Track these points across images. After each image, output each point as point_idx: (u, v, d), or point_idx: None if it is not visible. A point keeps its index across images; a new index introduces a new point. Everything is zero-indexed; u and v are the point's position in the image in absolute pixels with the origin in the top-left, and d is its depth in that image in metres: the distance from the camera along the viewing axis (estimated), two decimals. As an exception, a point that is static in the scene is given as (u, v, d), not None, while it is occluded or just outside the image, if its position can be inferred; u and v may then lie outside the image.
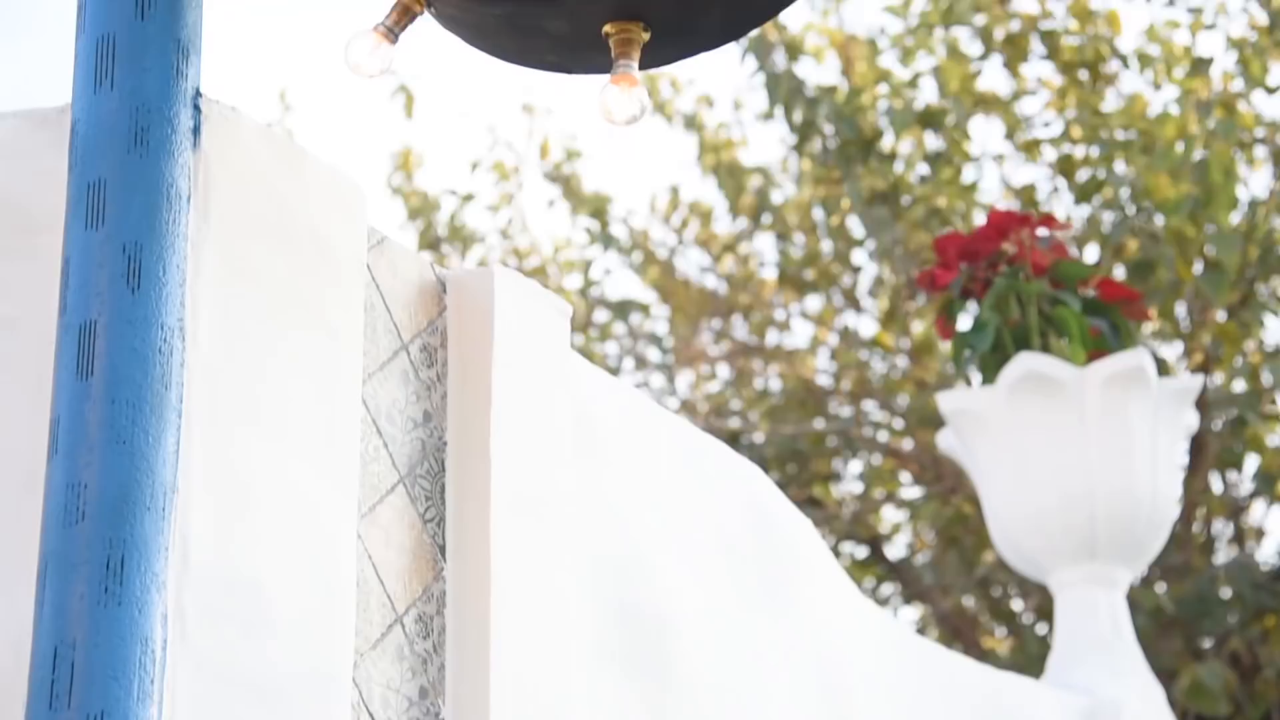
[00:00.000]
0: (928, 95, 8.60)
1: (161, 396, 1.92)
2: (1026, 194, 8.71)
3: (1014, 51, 8.55)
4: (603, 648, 2.72)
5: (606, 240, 9.45)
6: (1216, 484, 9.03)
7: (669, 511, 2.97)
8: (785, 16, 8.20)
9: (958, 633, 9.56)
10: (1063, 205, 8.69)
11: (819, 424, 9.58)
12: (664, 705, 2.82)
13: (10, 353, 2.10)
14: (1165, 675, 7.42)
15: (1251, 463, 8.64)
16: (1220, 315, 8.28)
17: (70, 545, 1.83)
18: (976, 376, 5.30)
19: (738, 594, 3.11)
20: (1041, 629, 8.91)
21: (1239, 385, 8.53)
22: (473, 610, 2.46)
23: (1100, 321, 5.07)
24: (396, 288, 2.51)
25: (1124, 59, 8.43)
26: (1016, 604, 9.85)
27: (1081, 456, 4.87)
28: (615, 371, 9.60)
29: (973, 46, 8.63)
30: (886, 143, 8.60)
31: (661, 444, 3.02)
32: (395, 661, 2.36)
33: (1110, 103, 8.56)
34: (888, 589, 10.54)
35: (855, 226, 9.03)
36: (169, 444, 1.92)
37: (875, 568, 10.30)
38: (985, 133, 11.17)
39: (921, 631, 9.06)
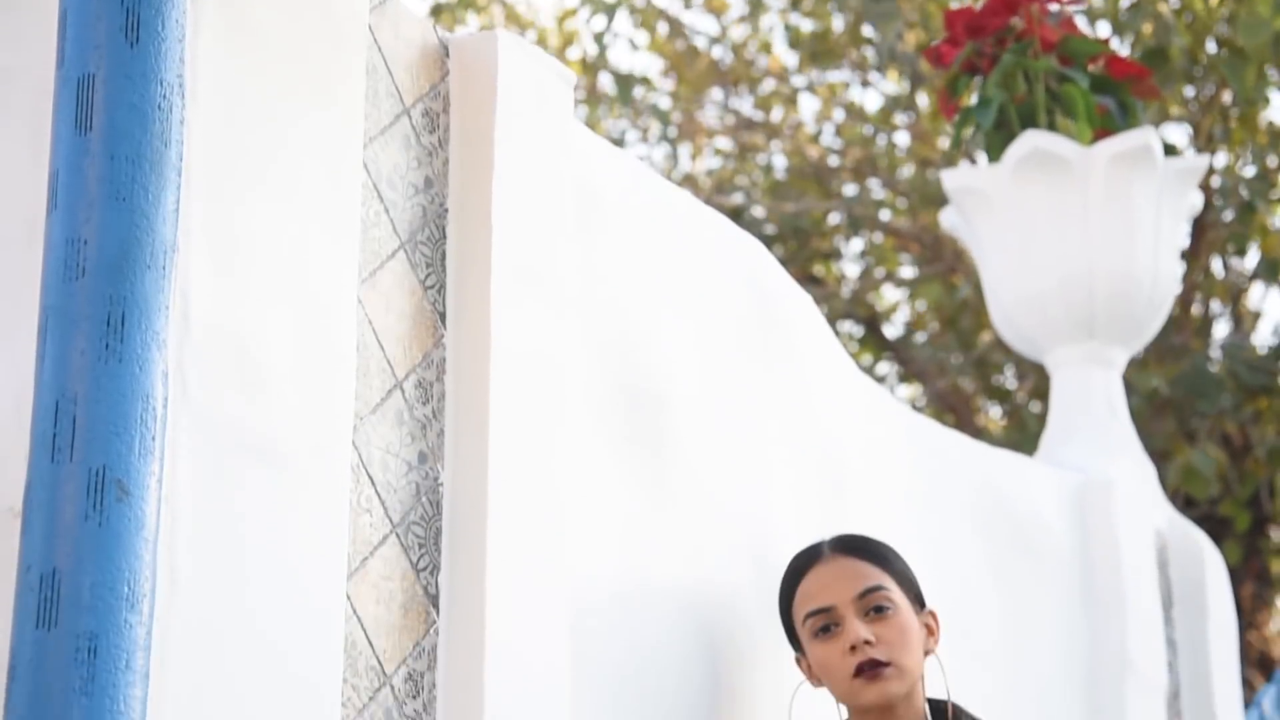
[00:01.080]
0: None
1: (161, 154, 1.90)
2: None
3: None
4: (601, 418, 2.74)
5: (611, 8, 9.30)
6: (1217, 267, 9.03)
7: (670, 284, 2.97)
8: None
9: (953, 411, 9.63)
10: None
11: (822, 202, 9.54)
12: (662, 476, 2.85)
13: (8, 103, 2.08)
14: (1157, 456, 7.50)
15: (1253, 246, 8.63)
16: (1230, 98, 8.20)
17: (70, 301, 1.83)
18: (982, 155, 5.27)
19: (736, 368, 3.13)
20: (1036, 409, 8.98)
21: (1247, 170, 8.49)
22: (472, 377, 2.47)
23: (1108, 100, 5.02)
24: (399, 50, 2.47)
25: None
26: (1012, 384, 9.91)
27: (1083, 236, 4.86)
28: (619, 144, 9.53)
29: None
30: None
31: (663, 217, 3.01)
32: (395, 426, 2.38)
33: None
34: (885, 368, 10.59)
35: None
36: (169, 202, 1.91)
37: (873, 346, 10.34)
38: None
39: (917, 410, 9.11)
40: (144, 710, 1.80)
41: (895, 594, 2.77)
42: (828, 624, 2.76)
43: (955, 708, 2.78)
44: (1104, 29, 8.17)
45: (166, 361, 1.89)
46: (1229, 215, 8.37)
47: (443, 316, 2.49)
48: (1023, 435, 8.22)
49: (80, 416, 1.80)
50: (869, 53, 9.50)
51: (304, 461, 2.13)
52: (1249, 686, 7.95)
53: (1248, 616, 8.38)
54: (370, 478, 2.32)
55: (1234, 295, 9.18)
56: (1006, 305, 5.05)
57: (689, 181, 9.83)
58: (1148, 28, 7.93)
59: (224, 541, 2.00)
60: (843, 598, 2.75)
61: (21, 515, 1.82)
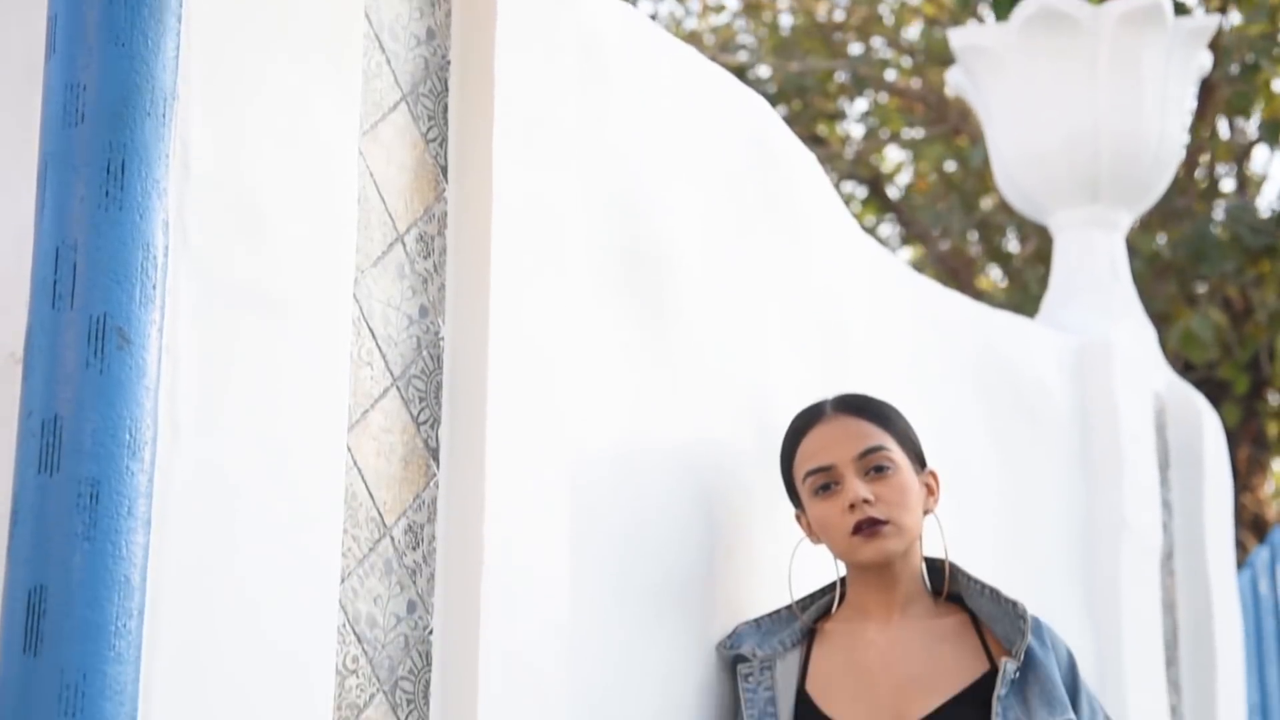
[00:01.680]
0: None
1: (160, -1, 1.88)
2: None
3: None
4: (603, 275, 2.73)
5: None
6: (1223, 129, 8.98)
7: (673, 142, 2.95)
8: None
9: (954, 274, 9.63)
10: None
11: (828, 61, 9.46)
12: (663, 335, 2.85)
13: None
14: (1158, 319, 7.50)
15: (1257, 108, 8.57)
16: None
17: (69, 147, 1.82)
18: (989, 14, 5.21)
19: (738, 226, 3.12)
20: (1037, 272, 8.98)
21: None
22: (473, 232, 2.46)
23: (1119, -43, 4.96)
24: (400, -102, 2.44)
25: None
26: (1014, 246, 9.90)
27: (1090, 96, 4.83)
28: None
29: None
30: None
31: (668, 73, 2.98)
32: (396, 280, 2.37)
33: None
34: (887, 229, 10.57)
35: None
36: (168, 48, 1.89)
37: (875, 207, 10.30)
38: None
39: (919, 271, 9.11)
40: (145, 557, 1.81)
41: (896, 454, 2.78)
42: (828, 482, 2.77)
43: (953, 567, 2.80)
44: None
45: (167, 210, 1.88)
46: (1235, 72, 8.30)
47: (444, 170, 2.48)
48: (1024, 298, 8.22)
49: (80, 263, 1.79)
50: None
51: (305, 313, 2.13)
52: (1242, 549, 8.02)
53: (1243, 479, 8.43)
54: (371, 331, 2.32)
55: (1239, 158, 9.14)
56: (1011, 166, 5.02)
57: (693, 39, 9.74)
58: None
59: (224, 391, 2.00)
60: (843, 456, 2.76)
61: (22, 361, 1.82)
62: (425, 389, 2.40)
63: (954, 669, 2.70)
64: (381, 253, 2.35)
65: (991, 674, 2.67)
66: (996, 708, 2.60)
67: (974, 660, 2.71)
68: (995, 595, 2.74)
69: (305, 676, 2.06)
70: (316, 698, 2.08)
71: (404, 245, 2.39)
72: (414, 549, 2.35)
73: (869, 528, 2.71)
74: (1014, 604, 2.71)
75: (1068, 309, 4.78)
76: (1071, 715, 2.62)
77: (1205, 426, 4.76)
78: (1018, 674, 2.64)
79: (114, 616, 1.75)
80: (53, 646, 1.72)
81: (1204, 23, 5.03)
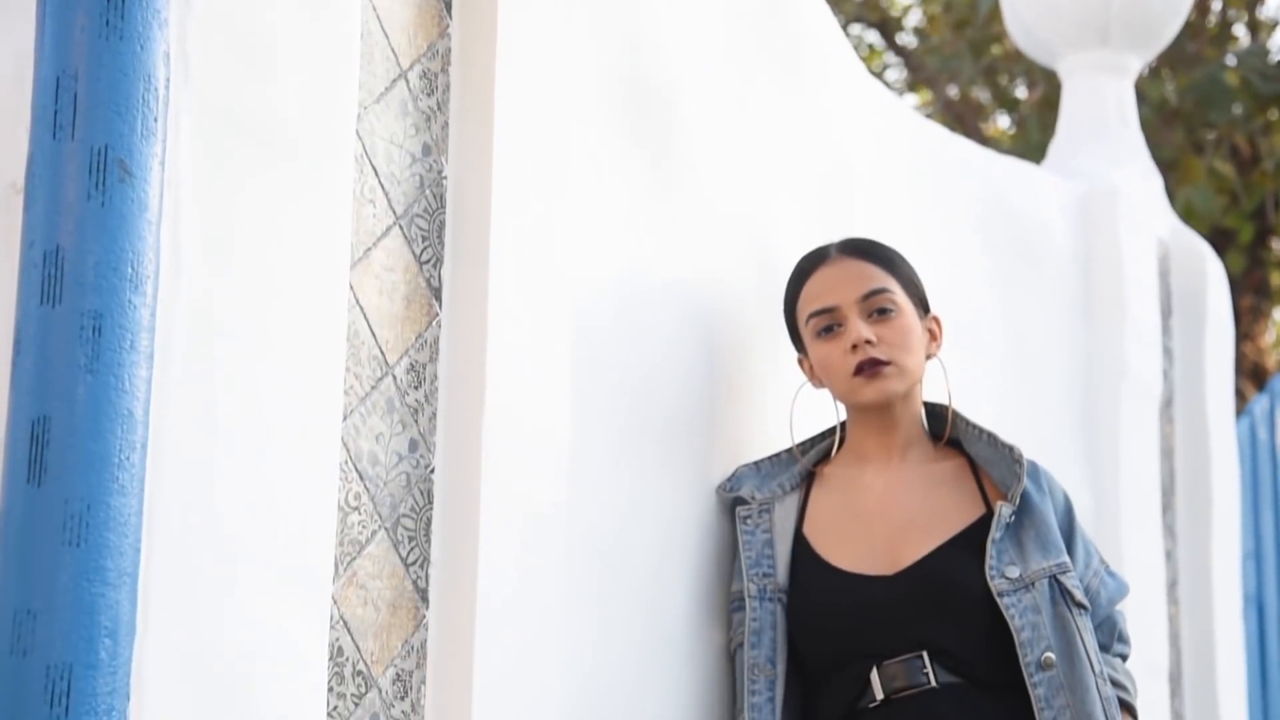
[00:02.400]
0: None
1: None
2: None
3: None
4: (608, 116, 2.71)
5: None
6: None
7: (679, -21, 2.92)
8: None
9: (961, 120, 9.56)
10: None
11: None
12: (668, 177, 2.83)
13: None
14: (1165, 167, 7.46)
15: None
16: None
17: (68, -24, 1.80)
18: None
19: (745, 68, 3.09)
20: (1045, 119, 8.91)
21: None
22: (477, 69, 2.44)
23: None
24: None
25: None
26: (1022, 92, 9.82)
27: (1102, -62, 4.76)
28: None
29: None
30: None
31: (674, -93, 2.94)
32: (399, 116, 2.36)
33: None
34: (894, 74, 10.47)
35: None
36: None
37: (883, 52, 10.21)
38: None
39: (926, 117, 9.04)
40: (149, 392, 1.82)
41: (899, 296, 2.77)
42: (830, 324, 2.77)
43: (954, 412, 2.81)
44: None
45: (168, 42, 1.86)
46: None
47: (448, 6, 2.45)
48: (1031, 145, 8.18)
49: (81, 94, 1.78)
50: None
51: (307, 149, 2.11)
52: (1241, 397, 8.04)
53: (1244, 328, 8.44)
54: (374, 168, 2.31)
55: (1251, 3, 9.03)
56: (1021, 8, 4.96)
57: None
58: None
59: (226, 227, 1.99)
60: (846, 298, 2.76)
61: (23, 192, 1.82)
62: (428, 228, 2.39)
63: (950, 513, 2.71)
64: (384, 89, 2.33)
65: (987, 518, 2.68)
66: (990, 551, 2.62)
67: (970, 504, 2.73)
68: (992, 440, 2.75)
69: (307, 513, 2.07)
70: (318, 534, 2.09)
71: (407, 82, 2.37)
72: (416, 388, 2.36)
73: (870, 369, 2.72)
74: (1010, 448, 2.72)
75: (1075, 156, 4.75)
76: (1066, 559, 2.64)
77: (1209, 274, 4.76)
78: (1013, 518, 2.66)
79: (117, 449, 1.76)
80: (56, 477, 1.73)
81: None
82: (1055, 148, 4.90)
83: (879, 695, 2.60)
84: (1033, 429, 3.84)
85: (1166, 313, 4.67)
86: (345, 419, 2.23)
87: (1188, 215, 7.40)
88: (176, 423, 1.90)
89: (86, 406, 1.75)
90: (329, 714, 2.17)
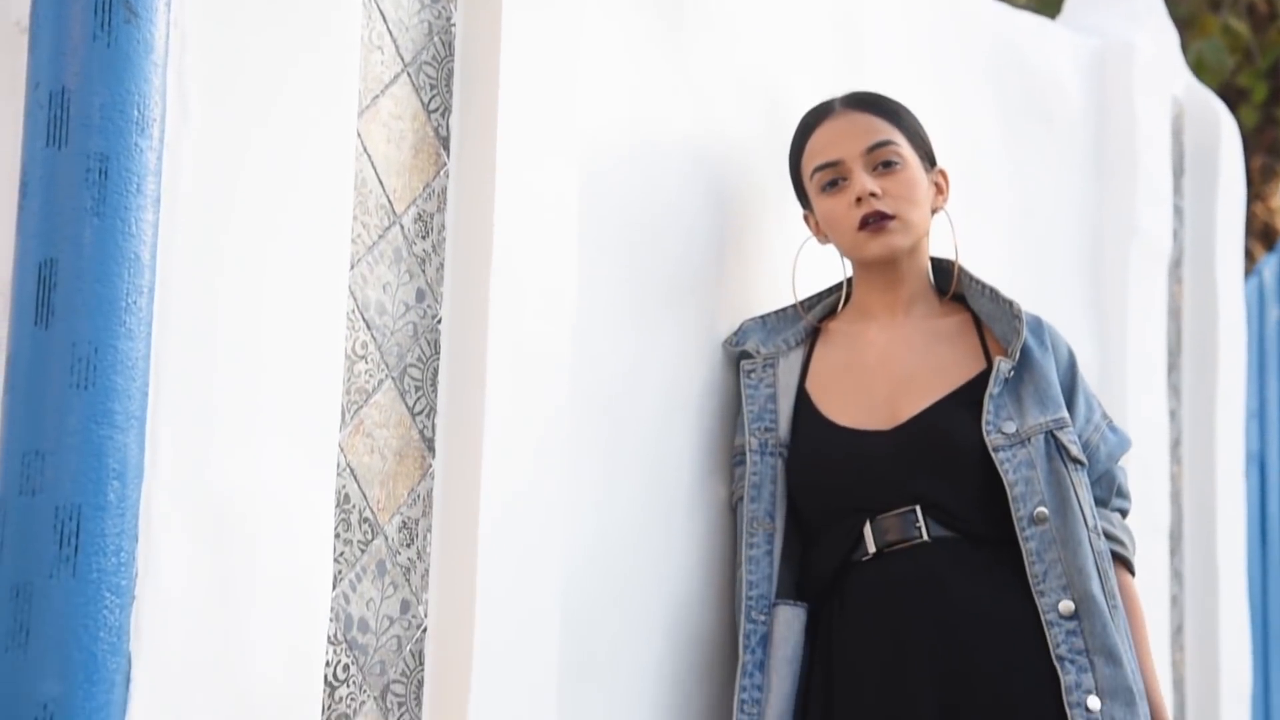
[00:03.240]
0: None
1: None
2: None
3: None
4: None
5: None
6: None
7: None
8: None
9: (975, -26, 9.42)
10: None
11: None
12: (676, 26, 2.81)
13: None
14: (1181, 23, 7.38)
15: None
16: None
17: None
18: None
19: (757, -86, 3.04)
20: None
21: None
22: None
23: None
24: None
25: None
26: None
27: None
28: None
29: None
30: None
31: None
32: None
33: None
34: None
35: None
36: None
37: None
38: None
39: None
40: (155, 235, 1.81)
41: (905, 149, 2.76)
42: (835, 178, 2.75)
43: (959, 267, 2.80)
44: None
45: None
46: None
47: None
48: (1045, 1, 8.07)
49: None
50: None
51: (313, -5, 2.10)
52: (1250, 258, 8.02)
53: (1255, 188, 8.38)
54: (382, 14, 2.29)
55: None
56: None
57: None
58: None
59: (233, 71, 1.98)
60: (851, 151, 2.74)
61: (29, 31, 1.80)
62: (436, 76, 2.37)
63: (950, 368, 2.71)
64: (392, -65, 2.31)
65: (987, 373, 2.68)
66: (988, 406, 2.62)
67: (971, 360, 2.73)
68: (995, 295, 2.74)
69: (314, 361, 2.08)
70: (325, 382, 2.10)
71: (414, -73, 2.34)
72: (423, 238, 2.35)
73: (875, 222, 2.71)
74: (1010, 303, 2.72)
75: (1090, 11, 4.69)
76: (1064, 414, 2.64)
77: (1222, 133, 4.72)
78: (1011, 373, 2.66)
79: (124, 293, 1.76)
80: (63, 319, 1.74)
81: None
82: (1071, 2, 4.84)
83: (871, 548, 2.62)
84: (1040, 286, 3.83)
85: (1178, 172, 4.64)
86: (352, 268, 2.23)
87: (1198, 69, 7.32)
88: (183, 267, 1.90)
89: (93, 250, 1.75)
90: (336, 559, 2.20)
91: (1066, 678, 2.51)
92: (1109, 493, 2.74)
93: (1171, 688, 4.33)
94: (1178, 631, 4.47)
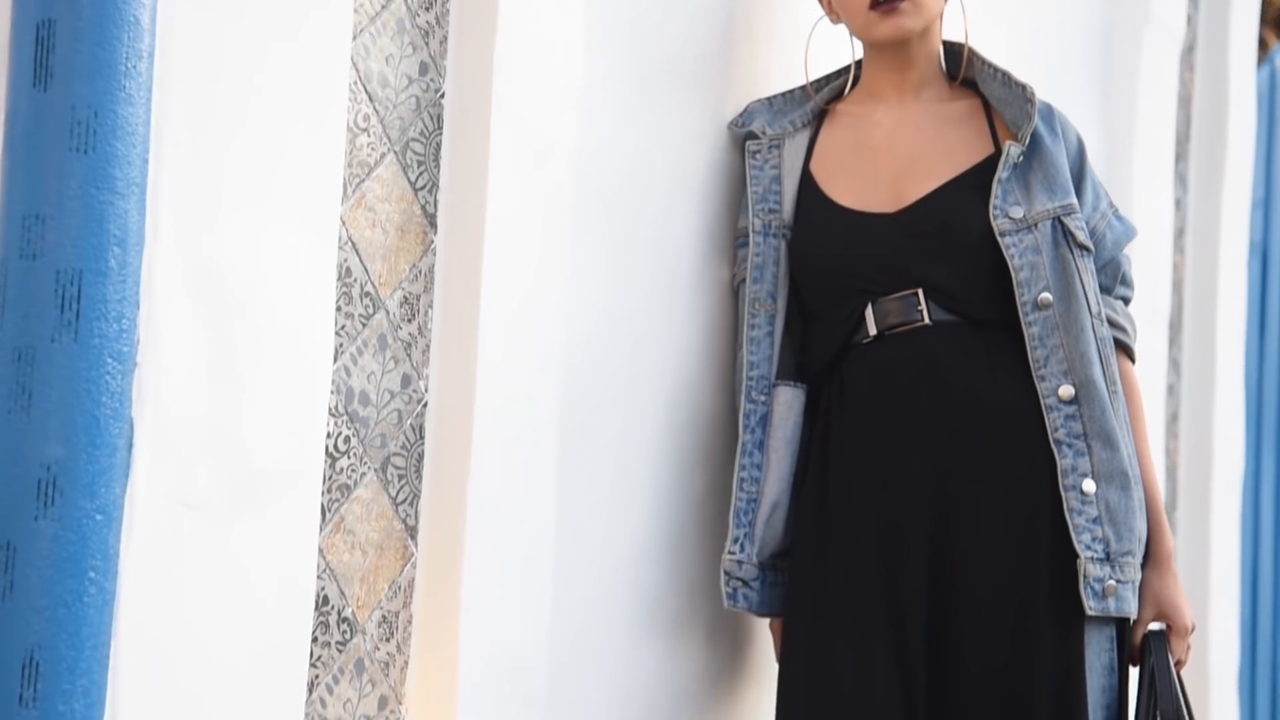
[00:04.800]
0: None
1: None
2: None
3: None
4: None
5: None
6: None
7: None
8: None
9: None
10: None
11: None
12: None
13: None
14: None
15: None
16: None
17: None
18: None
19: None
20: None
21: None
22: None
23: None
24: None
25: None
26: None
27: None
28: None
29: None
30: None
31: None
32: None
33: None
34: None
35: None
36: None
37: None
38: None
39: None
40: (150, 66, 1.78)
41: (919, -68, 2.70)
42: (848, -43, 2.71)
43: (970, 50, 2.76)
44: None
45: None
46: None
47: None
48: None
49: None
50: None
51: None
52: (1263, 46, 7.92)
53: (1271, -21, 8.25)
54: None
55: None
56: None
57: None
58: None
59: None
60: (866, -71, 2.69)
61: None
62: None
63: (958, 152, 2.69)
64: None
65: (995, 158, 2.66)
66: (995, 190, 2.60)
67: (980, 144, 2.70)
68: (1006, 79, 2.71)
69: (315, 133, 2.06)
70: (326, 154, 2.09)
71: None
72: (427, 9, 2.33)
73: (887, 3, 2.66)
74: (1024, 87, 2.68)
75: None
76: (1072, 200, 2.63)
77: (1238, -82, 4.64)
78: (1021, 158, 2.64)
79: (123, 56, 1.74)
80: (62, 82, 1.71)
81: None
82: None
83: (872, 331, 2.63)
84: (1050, 71, 3.79)
85: (1194, -44, 4.57)
86: (355, 38, 2.21)
87: None
88: (183, 33, 1.87)
89: (92, 11, 1.72)
90: (337, 333, 2.20)
91: (1063, 461, 2.53)
92: (1113, 280, 2.73)
93: (1165, 475, 4.38)
94: (1173, 420, 4.51)
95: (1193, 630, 2.64)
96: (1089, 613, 2.50)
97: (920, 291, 2.60)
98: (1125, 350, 2.72)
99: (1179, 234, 4.51)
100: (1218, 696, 4.53)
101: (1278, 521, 5.24)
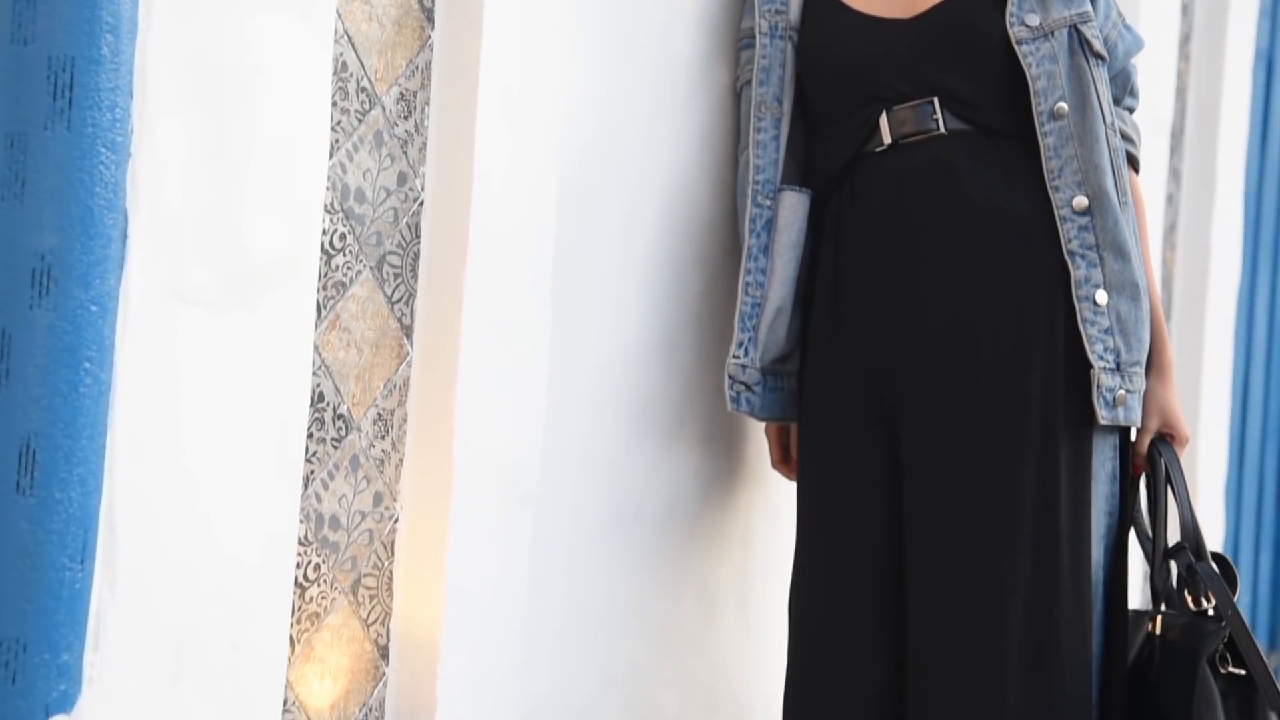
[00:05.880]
0: None
1: None
2: None
3: None
4: None
5: None
6: None
7: None
8: None
9: None
10: None
11: None
12: None
13: None
14: None
15: None
16: None
17: None
18: None
19: None
20: None
21: None
22: None
23: None
24: None
25: None
26: None
27: None
28: None
29: None
30: None
31: None
32: None
33: None
34: None
35: None
36: None
37: None
38: None
39: None
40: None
41: None
42: None
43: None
44: None
45: None
46: None
47: None
48: None
49: None
50: None
51: None
52: None
53: None
54: None
55: None
56: None
57: None
58: None
59: None
60: None
61: None
62: None
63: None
64: None
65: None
66: (1012, -2, 2.56)
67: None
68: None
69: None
70: None
71: None
72: None
73: None
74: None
75: None
76: (1088, 8, 2.58)
77: None
78: (1034, -36, 2.59)
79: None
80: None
81: None
82: None
83: (886, 139, 2.60)
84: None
85: None
86: None
87: None
88: None
89: None
90: (333, 128, 2.18)
91: (1076, 272, 2.52)
92: (1123, 91, 2.70)
93: (1161, 285, 4.38)
94: (1170, 230, 4.50)
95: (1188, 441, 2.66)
96: (1101, 421, 2.51)
97: (936, 100, 2.57)
98: (1131, 161, 2.70)
99: (1184, 40, 4.46)
100: (1205, 503, 4.57)
101: (1271, 332, 5.26)
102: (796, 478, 2.67)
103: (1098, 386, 2.51)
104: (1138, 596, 3.90)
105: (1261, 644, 5.52)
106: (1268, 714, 2.51)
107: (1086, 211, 2.54)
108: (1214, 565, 2.58)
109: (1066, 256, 2.53)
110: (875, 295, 2.58)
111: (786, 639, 2.64)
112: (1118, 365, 2.53)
